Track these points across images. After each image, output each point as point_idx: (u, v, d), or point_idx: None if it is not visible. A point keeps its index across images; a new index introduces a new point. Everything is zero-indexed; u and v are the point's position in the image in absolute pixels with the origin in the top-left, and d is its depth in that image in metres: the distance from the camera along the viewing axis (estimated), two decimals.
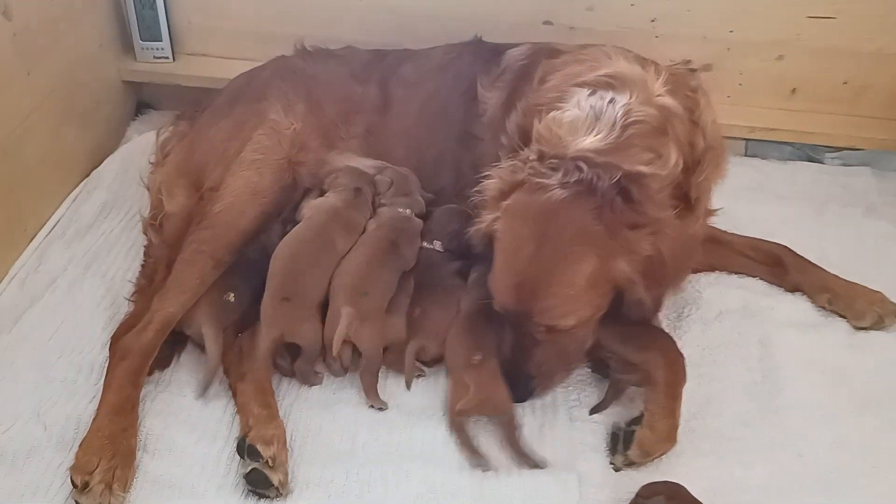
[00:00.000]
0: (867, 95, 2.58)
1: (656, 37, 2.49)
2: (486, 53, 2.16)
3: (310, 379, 1.82)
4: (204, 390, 1.77)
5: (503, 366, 1.73)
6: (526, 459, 1.68)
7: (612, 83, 1.70)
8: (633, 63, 1.79)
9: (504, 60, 2.09)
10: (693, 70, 1.86)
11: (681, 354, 1.77)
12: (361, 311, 1.79)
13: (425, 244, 1.98)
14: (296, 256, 1.86)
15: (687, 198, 1.74)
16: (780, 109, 2.63)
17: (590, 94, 1.68)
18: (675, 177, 1.66)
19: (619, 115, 1.62)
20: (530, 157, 1.64)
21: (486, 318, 1.77)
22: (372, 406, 1.78)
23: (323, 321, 1.82)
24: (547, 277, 1.57)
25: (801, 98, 2.61)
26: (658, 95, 1.69)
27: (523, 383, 1.70)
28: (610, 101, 1.65)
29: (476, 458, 1.68)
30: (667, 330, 1.91)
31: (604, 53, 1.86)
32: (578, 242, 1.55)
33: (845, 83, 2.57)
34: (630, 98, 1.65)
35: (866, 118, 2.62)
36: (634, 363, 1.76)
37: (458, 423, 1.73)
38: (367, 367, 1.79)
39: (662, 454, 1.69)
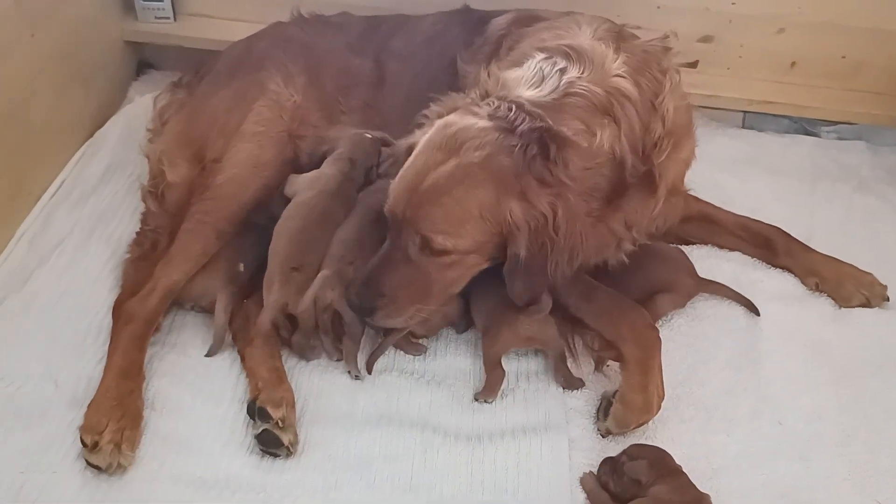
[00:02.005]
0: (864, 70, 2.60)
1: (658, 7, 2.50)
2: (472, 24, 2.15)
3: (306, 354, 1.85)
4: (212, 353, 1.83)
5: (366, 271, 1.71)
6: (574, 382, 1.82)
7: (569, 54, 1.71)
8: (599, 38, 1.77)
9: (488, 30, 2.09)
10: (668, 48, 1.83)
11: (653, 328, 1.79)
12: (344, 277, 1.81)
13: None
14: (304, 230, 1.88)
15: (645, 178, 1.75)
16: (779, 83, 2.64)
17: (544, 59, 1.71)
18: (611, 163, 1.66)
19: (562, 83, 1.65)
20: (472, 94, 1.69)
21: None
22: (349, 372, 1.82)
23: None
24: (442, 188, 1.59)
25: (800, 72, 2.62)
26: (615, 76, 1.69)
27: (370, 295, 1.69)
28: (560, 70, 1.67)
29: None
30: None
31: (575, 22, 1.85)
32: (483, 169, 1.58)
33: (844, 58, 2.58)
34: (581, 73, 1.67)
35: (863, 93, 2.64)
36: (608, 340, 1.80)
37: (494, 359, 1.79)
38: (349, 332, 1.82)
39: (641, 425, 1.74)
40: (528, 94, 1.65)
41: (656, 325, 1.83)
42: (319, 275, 1.81)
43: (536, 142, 1.58)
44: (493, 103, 1.64)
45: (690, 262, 2.04)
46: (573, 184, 1.61)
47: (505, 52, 1.91)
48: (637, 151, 1.70)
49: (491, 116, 1.62)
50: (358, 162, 2.02)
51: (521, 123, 1.59)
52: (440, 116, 1.70)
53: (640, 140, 1.71)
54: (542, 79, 1.66)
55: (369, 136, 2.09)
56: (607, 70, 1.69)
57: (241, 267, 1.89)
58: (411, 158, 1.67)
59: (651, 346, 1.76)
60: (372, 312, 1.71)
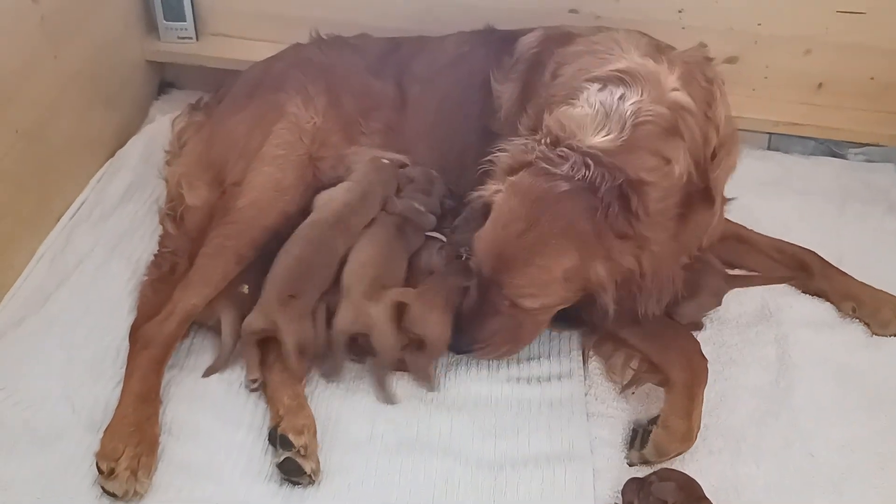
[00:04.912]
0: (893, 92, 2.55)
1: (683, 28, 2.47)
2: (497, 43, 2.13)
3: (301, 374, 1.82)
4: (213, 372, 1.82)
5: (459, 317, 1.79)
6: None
7: (623, 78, 1.67)
8: (645, 54, 1.74)
9: (517, 49, 2.06)
10: (709, 59, 1.81)
11: (703, 357, 1.79)
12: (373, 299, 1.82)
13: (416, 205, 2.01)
14: (301, 261, 1.86)
15: (704, 193, 1.72)
16: (806, 104, 2.60)
17: (600, 90, 1.66)
18: (681, 185, 1.65)
19: (628, 113, 1.61)
20: (543, 141, 1.65)
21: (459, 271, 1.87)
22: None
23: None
24: (526, 258, 1.60)
25: (828, 93, 2.58)
26: (672, 90, 1.66)
27: (466, 342, 1.77)
28: (620, 98, 1.63)
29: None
30: None
31: (615, 42, 1.82)
32: (565, 236, 1.58)
33: (872, 79, 2.54)
34: (641, 95, 1.63)
35: (891, 114, 2.58)
36: (656, 363, 1.78)
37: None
38: (382, 359, 1.82)
39: (678, 454, 1.71)
40: (599, 140, 1.59)
41: None
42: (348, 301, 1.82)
43: (617, 199, 1.56)
44: (567, 157, 1.58)
45: (718, 262, 2.02)
46: (655, 226, 1.60)
47: (549, 79, 1.86)
48: (699, 163, 1.68)
49: (568, 178, 1.57)
50: (370, 192, 1.99)
51: (602, 182, 1.55)
52: (510, 170, 1.66)
53: (701, 151, 1.69)
54: (607, 115, 1.61)
55: (387, 161, 2.07)
56: (664, 86, 1.66)
57: (245, 288, 1.87)
58: (493, 223, 1.65)
59: (699, 373, 1.75)
60: (466, 352, 1.81)
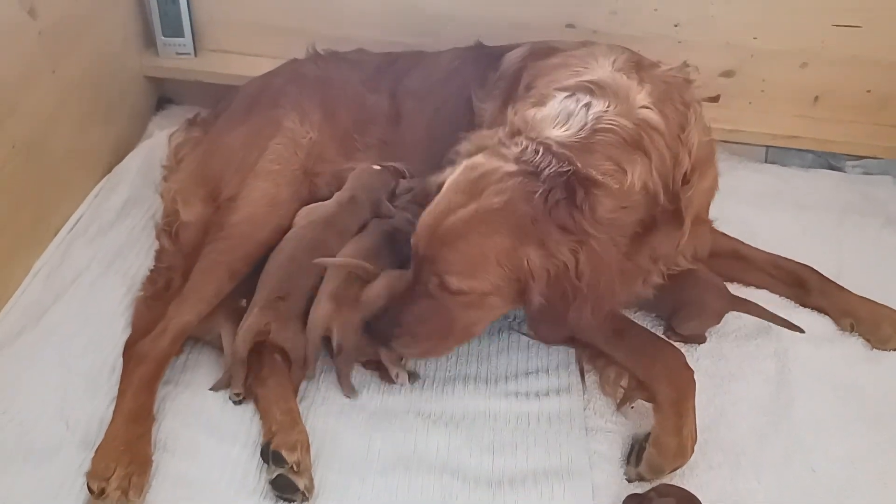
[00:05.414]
0: (891, 105, 2.56)
1: (679, 42, 2.48)
2: (486, 59, 2.13)
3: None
4: (219, 388, 1.81)
5: (385, 302, 1.72)
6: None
7: (591, 89, 1.66)
8: (620, 69, 1.73)
9: (502, 65, 2.06)
10: (689, 81, 1.79)
11: (688, 369, 1.75)
12: (338, 300, 1.81)
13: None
14: (292, 260, 1.87)
15: (674, 215, 1.69)
16: (803, 117, 2.60)
17: (566, 98, 1.66)
18: (641, 203, 1.61)
19: (590, 118, 1.60)
20: (502, 132, 1.66)
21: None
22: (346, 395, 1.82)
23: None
24: (459, 231, 1.57)
25: (824, 106, 2.59)
26: (641, 107, 1.63)
27: (388, 325, 1.69)
28: (584, 105, 1.63)
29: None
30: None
31: (592, 56, 1.81)
32: (501, 215, 1.54)
33: (869, 92, 2.55)
34: (607, 107, 1.62)
35: (889, 127, 2.59)
36: (642, 380, 1.76)
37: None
38: (342, 354, 1.82)
39: (675, 470, 1.69)
40: (556, 134, 1.59)
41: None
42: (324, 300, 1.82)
43: (563, 186, 1.53)
44: (521, 143, 1.59)
45: (721, 283, 2.00)
46: (601, 228, 1.56)
47: (523, 91, 1.87)
48: (668, 185, 1.65)
49: (517, 160, 1.57)
50: (358, 196, 2.00)
51: (547, 167, 1.54)
52: (470, 154, 1.67)
53: (671, 172, 1.65)
54: (569, 116, 1.62)
55: (377, 168, 2.08)
56: (633, 102, 1.64)
57: (244, 302, 1.86)
58: (437, 198, 1.64)
59: (686, 387, 1.71)
60: (388, 340, 1.72)
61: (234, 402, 1.79)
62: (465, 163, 1.64)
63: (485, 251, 1.56)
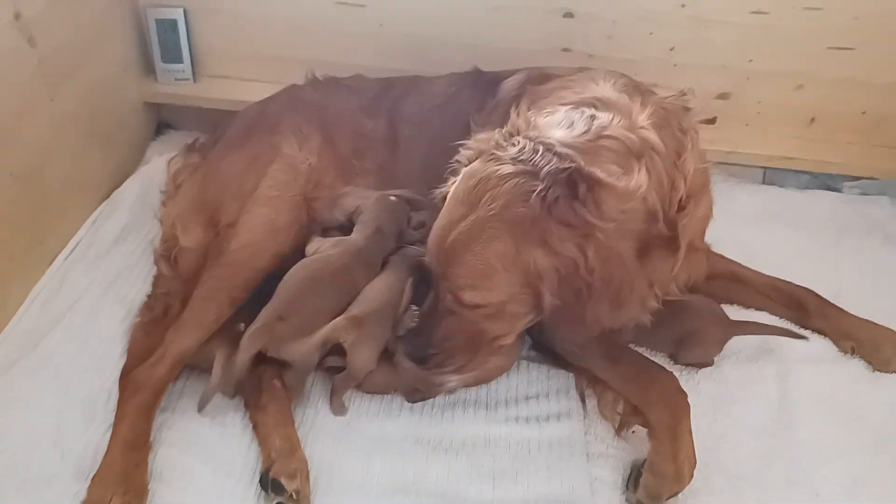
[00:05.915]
0: (886, 126, 2.58)
1: (675, 65, 2.50)
2: (484, 85, 2.12)
3: (298, 394, 1.82)
4: (202, 408, 1.79)
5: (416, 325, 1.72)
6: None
7: (595, 104, 1.65)
8: (621, 91, 1.73)
9: (499, 93, 2.06)
10: (688, 108, 1.78)
11: (682, 393, 1.73)
12: (365, 327, 1.80)
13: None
14: (313, 281, 1.86)
15: (670, 240, 1.67)
16: (799, 138, 2.62)
17: (571, 109, 1.64)
18: (639, 203, 1.55)
19: (595, 126, 1.57)
20: (499, 134, 1.63)
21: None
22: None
23: None
24: (465, 245, 1.53)
25: (820, 127, 2.60)
26: (641, 127, 1.61)
27: (422, 344, 1.68)
28: (590, 116, 1.60)
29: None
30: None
31: (591, 80, 1.81)
32: (499, 220, 1.49)
33: (864, 113, 2.57)
34: (611, 119, 1.60)
35: (885, 148, 2.61)
36: (636, 405, 1.75)
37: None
38: (348, 375, 1.81)
39: (673, 495, 1.67)
40: (559, 134, 1.55)
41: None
42: (339, 318, 1.82)
43: (563, 182, 1.47)
44: (519, 143, 1.55)
45: (720, 310, 2.00)
46: (607, 223, 1.48)
47: (524, 110, 1.86)
48: (664, 208, 1.63)
49: (514, 160, 1.51)
50: (385, 229, 1.99)
51: (547, 165, 1.48)
52: (469, 160, 1.63)
53: (667, 196, 1.64)
54: (573, 122, 1.58)
55: (394, 197, 2.08)
56: (634, 121, 1.62)
57: (241, 327, 1.85)
58: (442, 213, 1.61)
59: (680, 412, 1.69)
60: (424, 361, 1.70)
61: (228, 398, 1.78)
62: (464, 171, 1.61)
63: (489, 261, 1.52)
